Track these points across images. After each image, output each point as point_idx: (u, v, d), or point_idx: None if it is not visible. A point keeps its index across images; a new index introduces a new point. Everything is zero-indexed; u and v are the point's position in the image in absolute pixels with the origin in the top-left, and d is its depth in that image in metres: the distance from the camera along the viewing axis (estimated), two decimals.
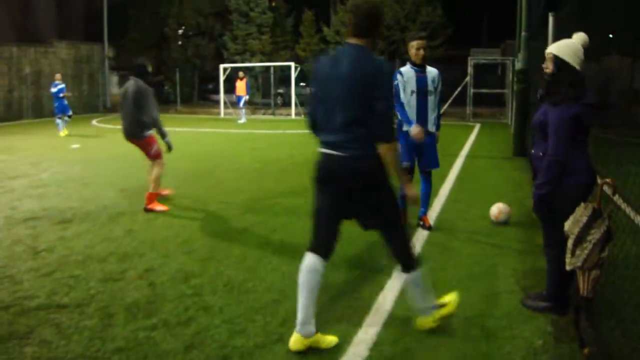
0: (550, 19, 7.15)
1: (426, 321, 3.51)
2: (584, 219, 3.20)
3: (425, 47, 5.61)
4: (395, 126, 4.04)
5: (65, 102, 16.15)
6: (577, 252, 3.19)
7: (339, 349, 3.34)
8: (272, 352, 3.32)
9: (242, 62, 28.80)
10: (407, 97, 5.69)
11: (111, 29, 29.25)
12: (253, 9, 30.03)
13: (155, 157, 7.09)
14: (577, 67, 3.48)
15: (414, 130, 5.60)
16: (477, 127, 18.87)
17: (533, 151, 3.72)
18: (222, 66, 26.10)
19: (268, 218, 6.51)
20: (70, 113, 16.39)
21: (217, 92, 28.14)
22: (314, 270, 3.26)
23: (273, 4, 31.41)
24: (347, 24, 3.25)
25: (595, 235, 3.15)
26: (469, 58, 22.45)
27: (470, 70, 21.65)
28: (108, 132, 17.62)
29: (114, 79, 31.99)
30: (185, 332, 3.57)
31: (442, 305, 3.55)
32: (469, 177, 9.17)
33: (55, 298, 4.12)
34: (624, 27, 4.37)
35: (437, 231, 5.89)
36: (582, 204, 3.30)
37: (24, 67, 24.68)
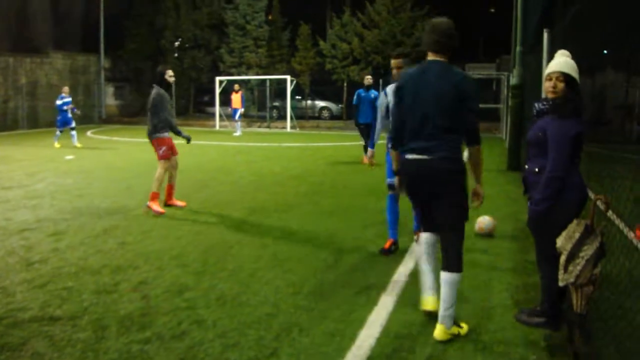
0: (545, 35, 7.23)
1: (444, 332, 3.63)
2: (577, 235, 3.21)
3: (401, 66, 5.20)
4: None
5: (70, 115, 16.18)
6: (570, 268, 3.20)
7: None
8: None
9: (238, 74, 28.92)
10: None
11: (107, 40, 29.37)
12: (249, 22, 30.22)
13: (162, 158, 7.58)
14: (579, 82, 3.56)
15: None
16: None
17: (527, 166, 3.73)
18: (218, 79, 26.20)
19: (262, 231, 6.50)
20: (73, 125, 16.42)
21: (212, 104, 28.21)
22: (432, 243, 3.89)
23: (270, 18, 31.62)
24: (426, 43, 3.66)
25: (587, 251, 3.16)
26: None
27: None
28: (103, 143, 17.55)
29: (110, 90, 31.97)
30: (178, 345, 3.55)
31: (459, 325, 3.73)
32: None
33: (48, 310, 4.10)
34: (618, 42, 4.42)
35: None
36: (575, 220, 3.31)
37: (20, 77, 24.71)
